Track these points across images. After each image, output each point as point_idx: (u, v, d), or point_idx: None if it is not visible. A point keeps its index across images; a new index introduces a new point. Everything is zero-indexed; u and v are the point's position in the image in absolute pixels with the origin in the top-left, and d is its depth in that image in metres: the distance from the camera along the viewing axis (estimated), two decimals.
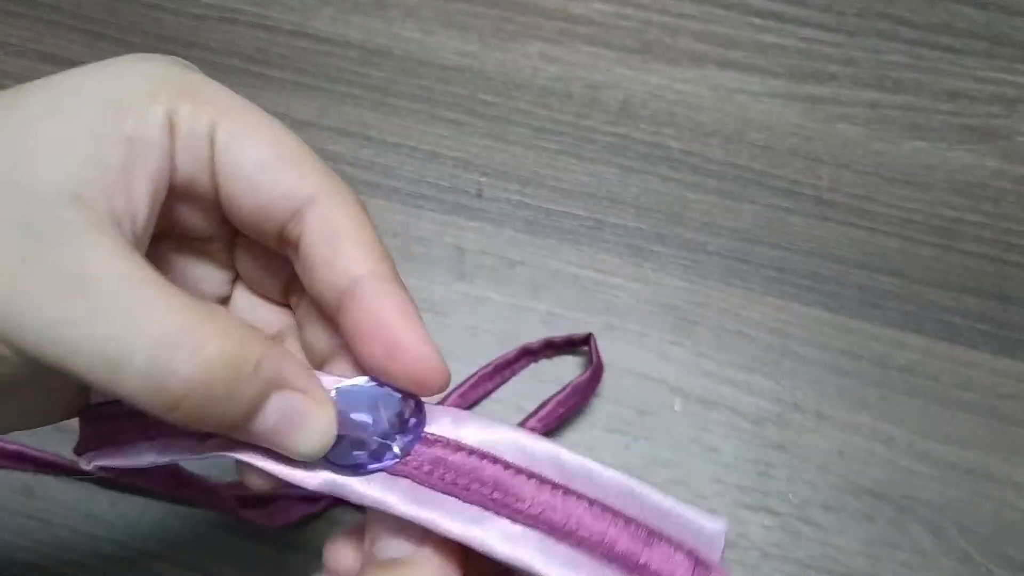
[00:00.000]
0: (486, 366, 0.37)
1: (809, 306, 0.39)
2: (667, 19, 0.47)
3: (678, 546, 0.18)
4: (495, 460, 0.18)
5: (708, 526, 0.19)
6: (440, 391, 0.19)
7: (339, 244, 0.19)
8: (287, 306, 0.22)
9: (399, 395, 0.19)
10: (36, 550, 0.33)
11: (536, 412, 0.35)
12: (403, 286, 0.19)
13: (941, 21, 0.47)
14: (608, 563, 0.18)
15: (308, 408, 0.18)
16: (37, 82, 0.18)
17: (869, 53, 0.46)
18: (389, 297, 0.19)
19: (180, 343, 0.16)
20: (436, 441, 0.19)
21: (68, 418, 0.22)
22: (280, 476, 0.19)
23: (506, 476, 0.18)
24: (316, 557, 0.33)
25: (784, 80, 0.45)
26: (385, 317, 0.18)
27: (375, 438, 0.19)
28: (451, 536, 0.18)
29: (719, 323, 0.39)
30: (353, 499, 0.18)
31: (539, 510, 0.18)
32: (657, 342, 0.38)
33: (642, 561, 0.18)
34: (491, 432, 0.19)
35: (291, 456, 0.18)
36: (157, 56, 0.20)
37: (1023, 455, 0.36)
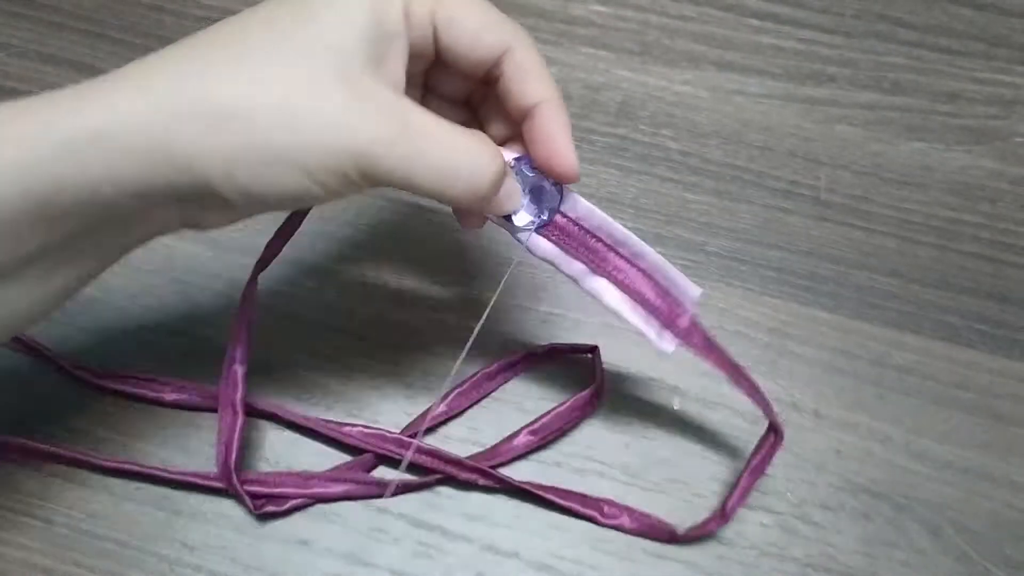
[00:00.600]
0: (488, 366, 0.37)
1: (807, 306, 0.39)
2: (666, 21, 0.47)
3: (679, 301, 0.32)
4: (594, 236, 0.31)
5: (691, 291, 0.32)
6: (574, 182, 0.29)
7: (528, 79, 0.28)
8: (464, 105, 0.32)
9: (548, 180, 0.29)
10: (36, 549, 0.33)
11: (534, 423, 0.35)
12: (565, 109, 0.29)
13: (939, 23, 0.48)
14: (641, 306, 0.31)
15: (516, 187, 0.29)
16: None
17: (867, 54, 0.47)
18: (557, 117, 0.28)
19: (483, 161, 0.26)
20: (565, 215, 0.30)
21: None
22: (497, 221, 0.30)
23: (599, 246, 0.31)
24: (319, 556, 0.33)
25: (782, 81, 0.46)
26: (553, 130, 0.28)
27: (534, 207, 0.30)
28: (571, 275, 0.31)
29: (718, 323, 0.39)
30: (523, 240, 0.30)
31: (613, 269, 0.31)
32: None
33: (659, 306, 0.31)
34: (594, 216, 0.30)
35: (505, 211, 0.29)
36: None
37: (1021, 454, 0.36)
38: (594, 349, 0.36)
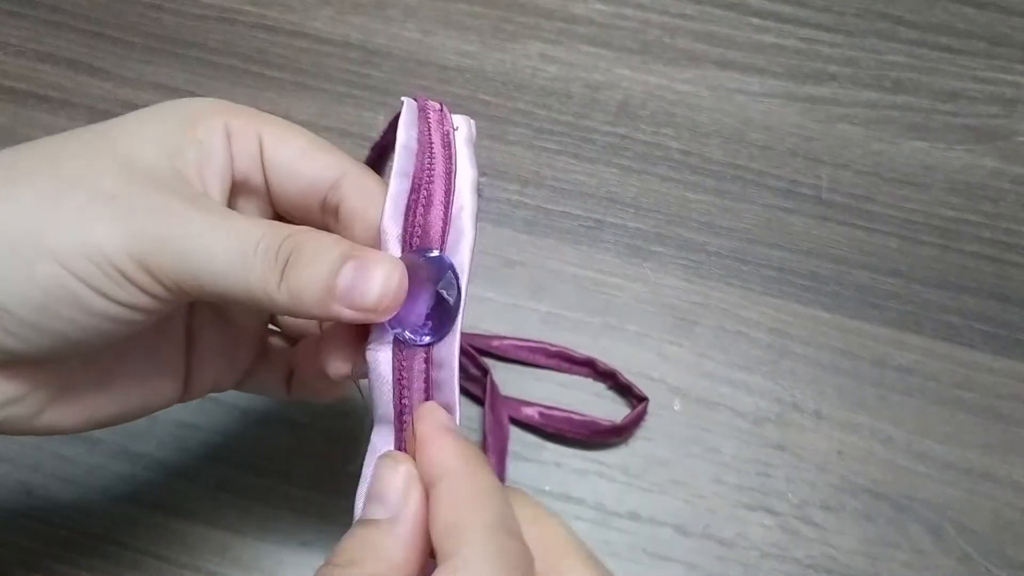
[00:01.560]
0: (552, 345, 0.37)
1: (808, 306, 0.39)
2: (666, 19, 0.47)
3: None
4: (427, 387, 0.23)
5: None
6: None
7: (374, 198, 0.24)
8: None
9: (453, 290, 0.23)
10: (36, 550, 0.33)
11: (552, 408, 0.36)
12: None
13: (940, 21, 0.47)
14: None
15: (375, 259, 0.22)
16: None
17: (868, 53, 0.46)
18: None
19: (274, 241, 0.21)
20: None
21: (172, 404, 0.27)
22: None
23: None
24: (319, 556, 0.33)
25: (783, 80, 0.46)
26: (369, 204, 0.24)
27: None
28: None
29: (718, 323, 0.39)
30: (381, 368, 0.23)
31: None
32: (656, 342, 0.38)
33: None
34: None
35: (368, 308, 0.21)
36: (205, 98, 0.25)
37: (1022, 455, 0.36)
38: (644, 400, 0.36)
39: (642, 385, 0.37)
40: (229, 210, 0.22)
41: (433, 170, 0.23)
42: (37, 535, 0.33)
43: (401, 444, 0.23)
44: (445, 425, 0.22)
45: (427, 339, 0.22)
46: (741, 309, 0.39)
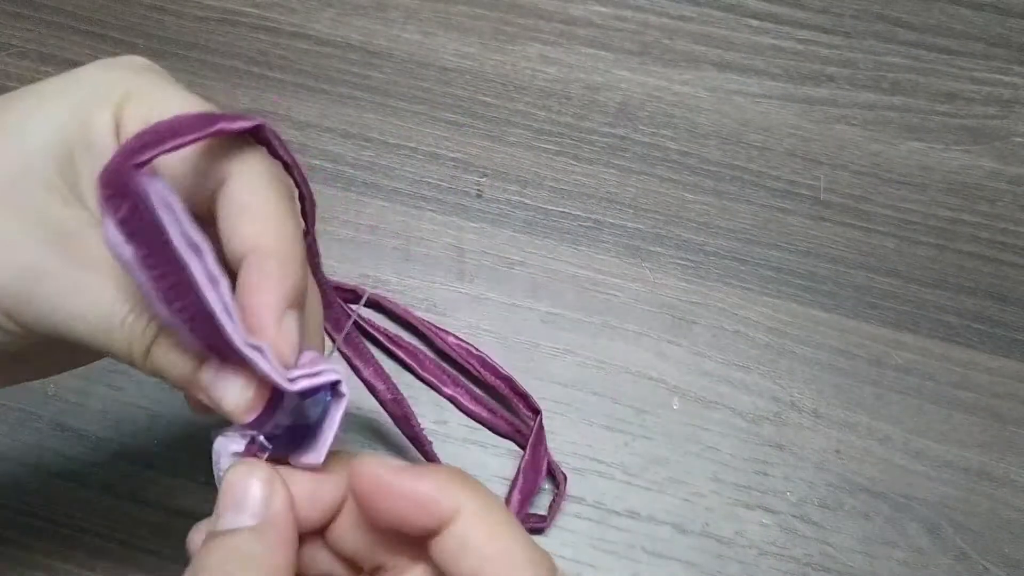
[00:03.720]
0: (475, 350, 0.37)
1: (806, 306, 0.39)
2: (665, 21, 0.47)
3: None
4: None
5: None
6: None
7: (240, 218, 0.20)
8: None
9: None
10: (37, 549, 0.33)
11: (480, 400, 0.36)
12: (287, 265, 0.20)
13: (938, 23, 0.48)
14: None
15: (237, 372, 0.20)
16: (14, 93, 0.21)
17: (866, 55, 0.47)
18: (264, 273, 0.20)
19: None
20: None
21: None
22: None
23: None
24: None
25: (782, 81, 0.46)
26: (250, 301, 0.20)
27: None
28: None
29: (717, 323, 0.39)
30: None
31: None
32: (655, 342, 0.38)
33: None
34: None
35: (223, 411, 0.20)
36: (117, 61, 0.22)
37: (1019, 454, 0.36)
38: (538, 412, 0.35)
39: (641, 384, 0.37)
40: (103, 260, 0.20)
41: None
42: (37, 535, 0.34)
43: None
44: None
45: (278, 452, 0.21)
46: (739, 309, 0.39)
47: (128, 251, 0.17)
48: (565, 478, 0.35)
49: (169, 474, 0.35)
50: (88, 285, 0.19)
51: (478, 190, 0.42)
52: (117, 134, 0.21)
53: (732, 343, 0.38)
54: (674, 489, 0.35)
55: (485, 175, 0.43)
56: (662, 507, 0.35)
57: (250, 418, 0.20)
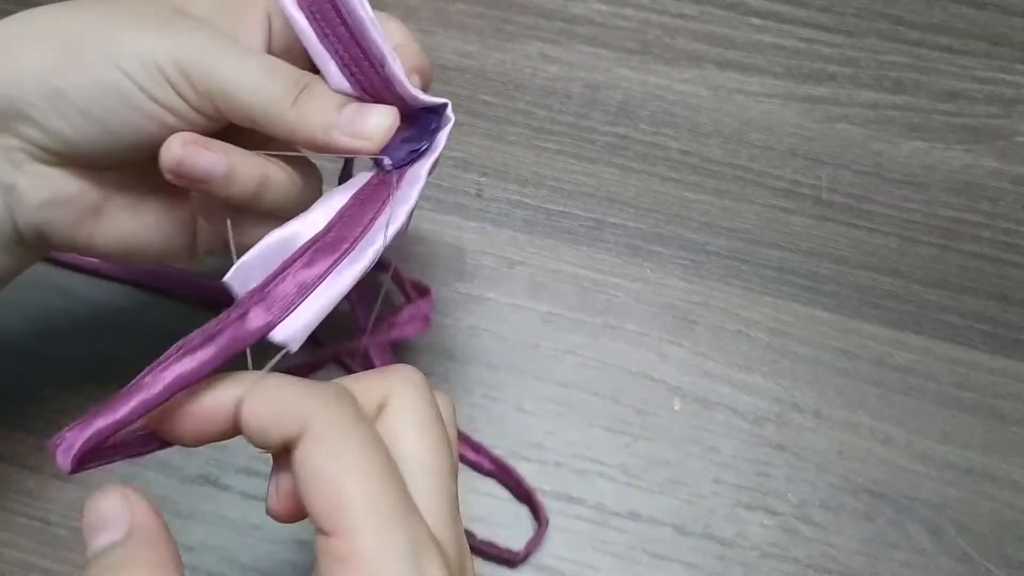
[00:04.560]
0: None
1: (808, 306, 0.39)
2: (666, 19, 0.47)
3: None
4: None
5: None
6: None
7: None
8: None
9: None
10: (36, 550, 0.33)
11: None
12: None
13: (940, 21, 0.47)
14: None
15: (374, 105, 0.26)
16: None
17: (868, 53, 0.46)
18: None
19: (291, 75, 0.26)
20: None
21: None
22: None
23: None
24: None
25: (783, 80, 0.46)
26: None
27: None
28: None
29: (718, 323, 0.39)
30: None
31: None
32: (656, 342, 0.38)
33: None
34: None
35: (362, 136, 0.26)
36: None
37: (1022, 454, 0.36)
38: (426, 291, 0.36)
39: (642, 385, 0.37)
40: (259, 47, 0.26)
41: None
42: (37, 535, 0.33)
43: (340, 218, 0.25)
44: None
45: (400, 164, 0.26)
46: (741, 309, 0.39)
47: None
48: (547, 522, 0.34)
49: (169, 475, 0.35)
50: (249, 56, 0.25)
51: (478, 190, 0.42)
52: (269, 23, 0.27)
53: (733, 343, 0.38)
54: (675, 490, 0.35)
55: (485, 174, 0.43)
56: (663, 508, 0.35)
57: (388, 137, 0.26)
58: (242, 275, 0.23)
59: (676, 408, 0.37)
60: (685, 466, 0.36)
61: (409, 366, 0.23)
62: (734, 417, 0.37)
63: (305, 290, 0.23)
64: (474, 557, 0.32)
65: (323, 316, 0.23)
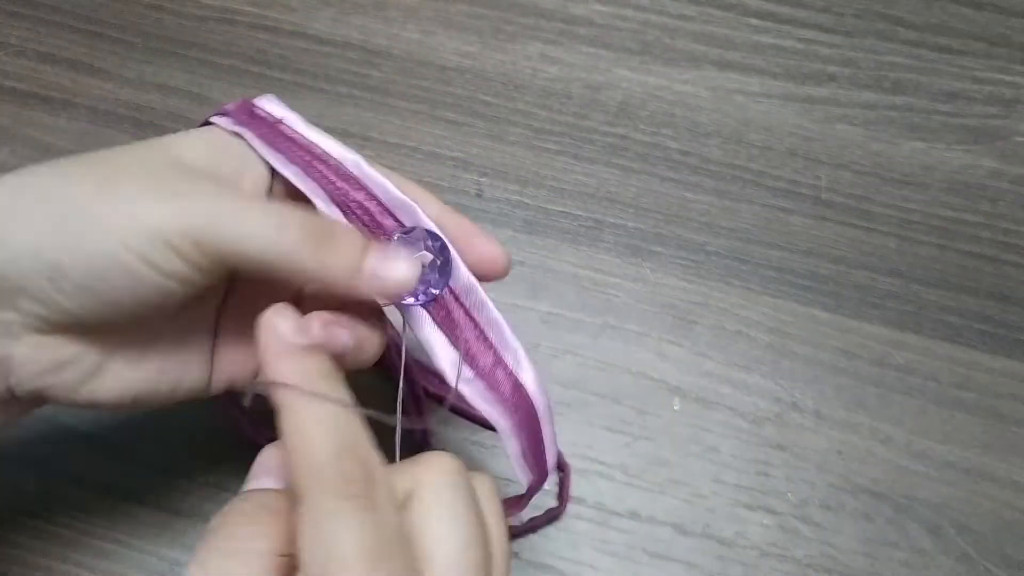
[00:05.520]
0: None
1: (808, 306, 0.39)
2: (666, 20, 0.47)
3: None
4: (474, 322, 0.26)
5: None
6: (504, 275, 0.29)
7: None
8: None
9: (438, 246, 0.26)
10: (36, 550, 0.33)
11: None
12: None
13: (939, 22, 0.48)
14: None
15: (395, 252, 0.25)
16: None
17: (867, 54, 0.47)
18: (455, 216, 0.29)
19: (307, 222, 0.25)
20: (451, 290, 0.26)
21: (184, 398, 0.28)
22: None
23: (471, 329, 0.26)
24: None
25: (783, 81, 0.46)
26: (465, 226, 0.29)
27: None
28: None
29: (718, 323, 0.39)
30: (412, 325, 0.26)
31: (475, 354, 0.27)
32: (656, 342, 0.38)
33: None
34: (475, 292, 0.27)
35: (390, 288, 0.25)
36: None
37: (1021, 454, 0.36)
38: (564, 468, 0.35)
39: (642, 385, 0.37)
40: (261, 199, 0.26)
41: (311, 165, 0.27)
42: (38, 535, 0.33)
43: (471, 359, 0.26)
44: None
45: (440, 288, 0.26)
46: (740, 309, 0.39)
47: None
48: (569, 468, 0.35)
49: (169, 475, 0.34)
50: (258, 210, 0.24)
51: (478, 190, 0.42)
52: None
53: (733, 343, 0.38)
54: (675, 490, 0.35)
55: (485, 174, 0.43)
56: (663, 508, 0.35)
57: (417, 279, 0.25)
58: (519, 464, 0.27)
59: (676, 408, 0.37)
60: (685, 466, 0.36)
61: (443, 454, 0.23)
62: (734, 417, 0.37)
63: (537, 430, 0.27)
64: (533, 505, 0.33)
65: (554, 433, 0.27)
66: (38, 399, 0.26)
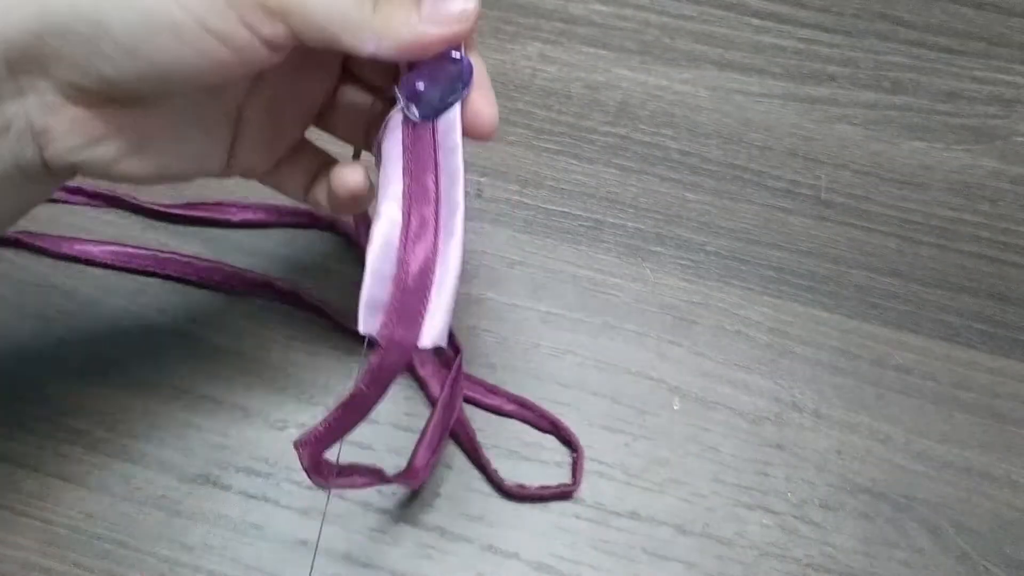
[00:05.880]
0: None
1: (807, 306, 0.39)
2: (666, 20, 0.47)
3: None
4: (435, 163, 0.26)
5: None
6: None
7: None
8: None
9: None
10: (36, 549, 0.33)
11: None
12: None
13: (939, 22, 0.48)
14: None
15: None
16: None
17: (867, 54, 0.47)
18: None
19: None
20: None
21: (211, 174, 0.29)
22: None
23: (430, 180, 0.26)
24: (319, 557, 0.33)
25: (782, 81, 0.46)
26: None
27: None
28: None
29: (717, 323, 0.39)
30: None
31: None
32: (656, 342, 0.38)
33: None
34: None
35: (452, 19, 0.24)
36: None
37: (1021, 454, 0.36)
38: (578, 449, 0.36)
39: (642, 385, 0.37)
40: None
41: None
42: (37, 535, 0.33)
43: (408, 200, 0.25)
44: None
45: (458, 95, 0.26)
46: (740, 309, 0.39)
47: None
48: (582, 448, 0.35)
49: (169, 475, 0.35)
50: None
51: (478, 190, 0.42)
52: None
53: (733, 343, 0.38)
54: (674, 490, 0.35)
55: (485, 174, 0.43)
56: (662, 508, 0.35)
57: (473, 23, 0.25)
58: (369, 312, 0.25)
59: (676, 408, 0.37)
60: (684, 466, 0.36)
61: None
62: (733, 417, 0.37)
63: (424, 292, 0.25)
64: (534, 504, 0.34)
65: (453, 302, 0.25)
66: (71, 172, 0.26)
